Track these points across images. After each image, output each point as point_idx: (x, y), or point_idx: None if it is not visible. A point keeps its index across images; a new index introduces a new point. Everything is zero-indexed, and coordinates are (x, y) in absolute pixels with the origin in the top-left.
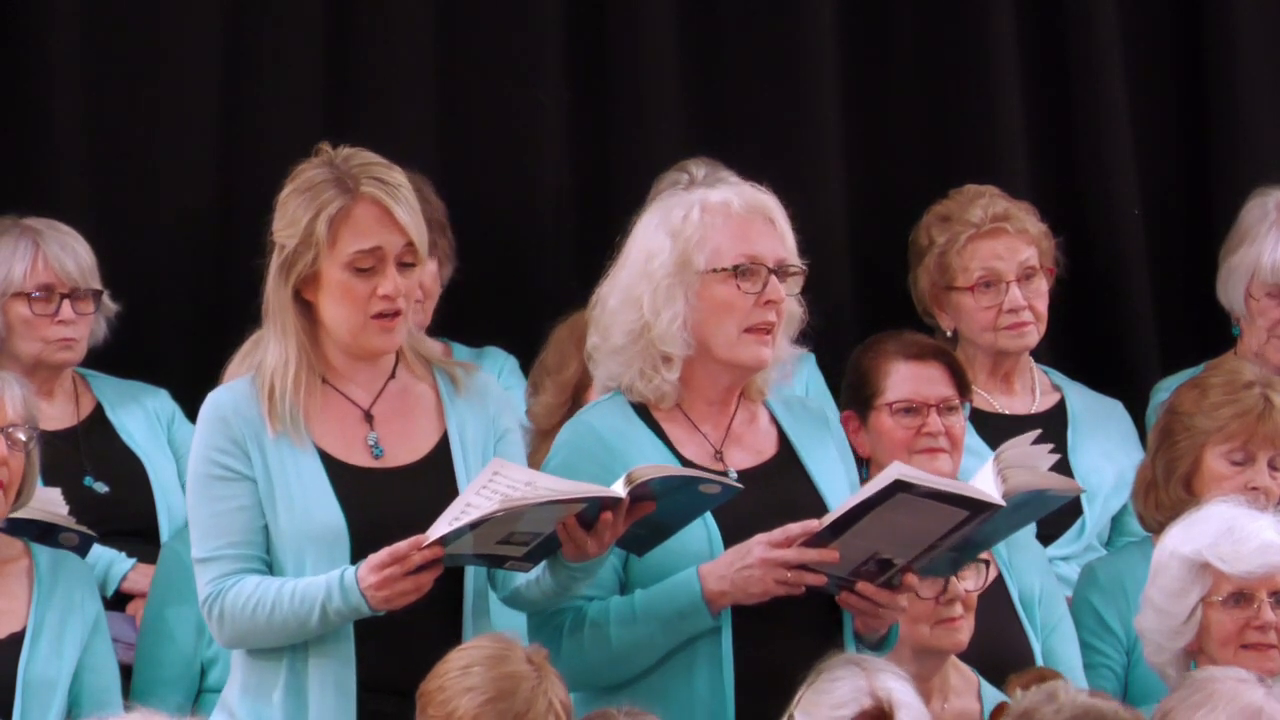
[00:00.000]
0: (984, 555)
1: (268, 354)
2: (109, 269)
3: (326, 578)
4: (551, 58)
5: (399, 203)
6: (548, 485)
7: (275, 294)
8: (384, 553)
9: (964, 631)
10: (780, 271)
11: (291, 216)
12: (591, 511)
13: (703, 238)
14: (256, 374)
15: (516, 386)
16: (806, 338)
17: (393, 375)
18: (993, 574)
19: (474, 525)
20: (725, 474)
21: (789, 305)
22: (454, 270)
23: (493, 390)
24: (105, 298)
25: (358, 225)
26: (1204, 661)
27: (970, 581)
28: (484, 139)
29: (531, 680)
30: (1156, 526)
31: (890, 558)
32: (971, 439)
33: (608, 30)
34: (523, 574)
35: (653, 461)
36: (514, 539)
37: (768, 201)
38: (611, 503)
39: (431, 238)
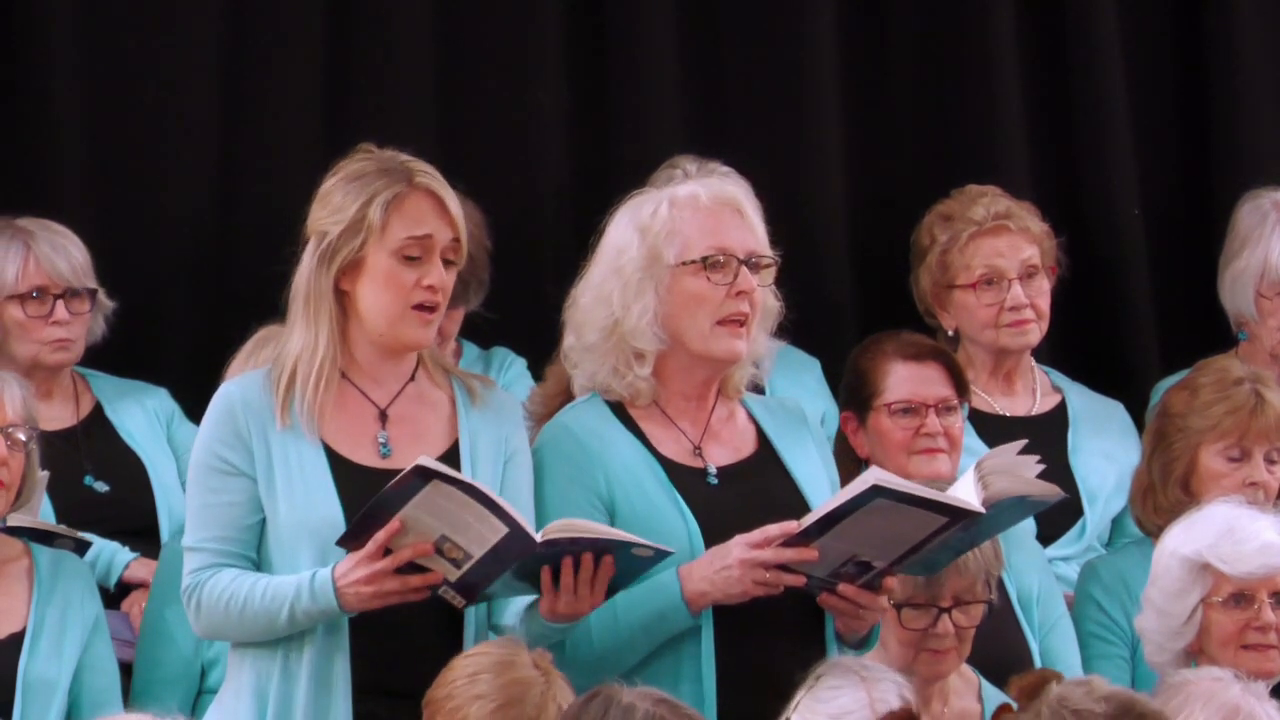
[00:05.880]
0: (988, 596)
1: (290, 342)
2: (109, 268)
3: (298, 577)
4: (551, 57)
5: (451, 198)
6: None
7: (313, 282)
8: (370, 544)
9: (949, 662)
10: (752, 263)
11: (338, 204)
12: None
13: (671, 231)
14: (273, 366)
15: (524, 387)
16: (807, 339)
17: (412, 379)
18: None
19: (420, 475)
20: (705, 471)
21: (765, 298)
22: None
23: (509, 408)
24: (101, 295)
25: (411, 212)
26: (1204, 662)
27: (966, 618)
28: (484, 138)
29: (540, 685)
30: (1156, 530)
31: (869, 560)
32: (972, 440)
33: (607, 30)
34: (509, 615)
35: (628, 462)
36: (447, 551)
37: (736, 193)
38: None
39: (468, 294)
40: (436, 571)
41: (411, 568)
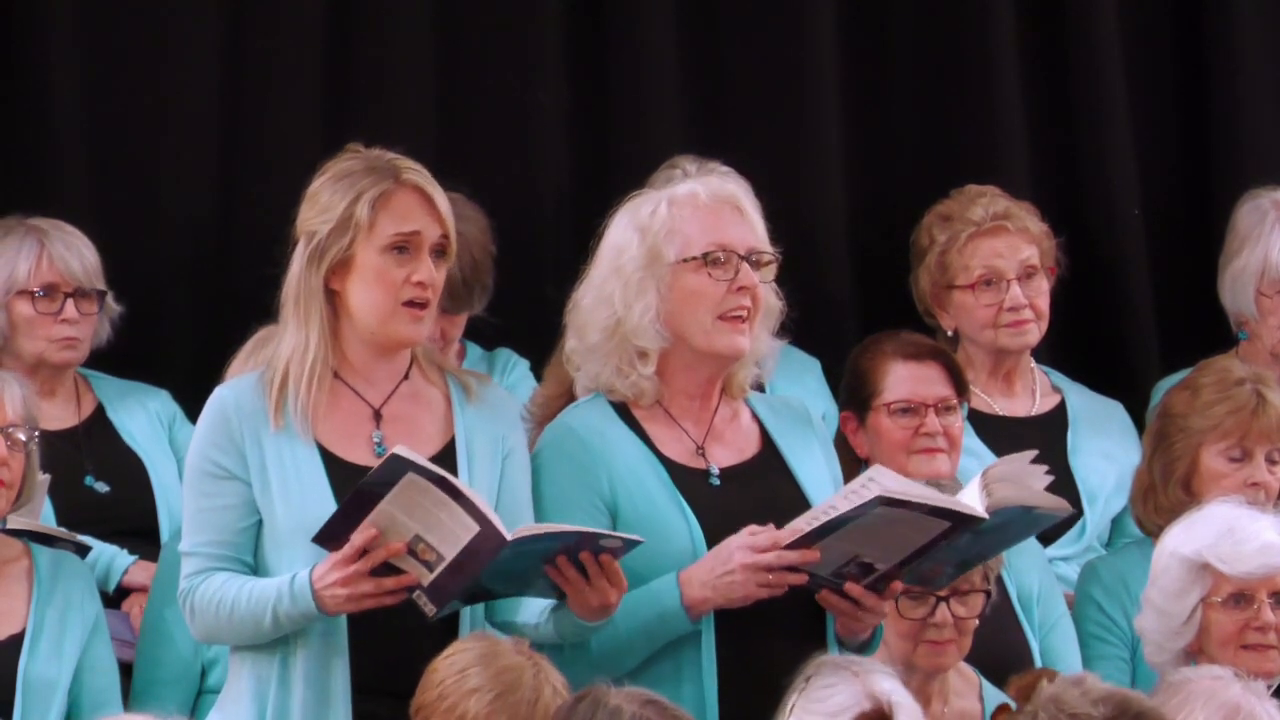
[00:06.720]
0: (986, 586)
1: (283, 344)
2: (110, 269)
3: (279, 580)
4: (551, 57)
5: (439, 194)
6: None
7: (303, 282)
8: (347, 548)
9: (949, 655)
10: (752, 259)
11: (325, 204)
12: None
13: (671, 230)
14: (266, 368)
15: (528, 388)
16: (807, 339)
17: (406, 377)
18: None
19: (396, 464)
20: (708, 472)
21: (767, 297)
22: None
23: (505, 405)
24: (109, 299)
25: (398, 209)
26: (1204, 662)
27: (964, 608)
28: (484, 138)
29: (530, 669)
30: (1156, 530)
31: (871, 562)
32: (971, 440)
33: (608, 29)
34: (530, 614)
35: (631, 463)
36: (421, 552)
37: (735, 190)
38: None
39: (471, 299)
40: (411, 574)
41: (387, 570)
